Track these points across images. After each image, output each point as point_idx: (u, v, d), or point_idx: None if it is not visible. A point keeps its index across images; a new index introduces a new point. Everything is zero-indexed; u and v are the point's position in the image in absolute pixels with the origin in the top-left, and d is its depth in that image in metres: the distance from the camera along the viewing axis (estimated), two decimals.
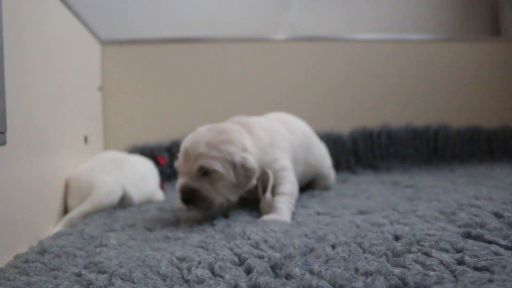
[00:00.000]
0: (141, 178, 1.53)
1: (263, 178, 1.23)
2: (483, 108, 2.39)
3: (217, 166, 1.12)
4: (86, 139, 1.74)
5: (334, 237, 0.87)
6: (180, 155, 1.18)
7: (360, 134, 2.24)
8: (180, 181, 1.15)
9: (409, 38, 2.40)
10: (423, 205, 1.14)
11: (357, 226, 0.97)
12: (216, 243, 0.90)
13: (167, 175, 2.02)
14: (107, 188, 1.38)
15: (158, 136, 2.19)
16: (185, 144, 1.18)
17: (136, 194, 1.47)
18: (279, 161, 1.26)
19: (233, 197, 1.18)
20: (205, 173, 1.12)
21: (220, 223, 1.09)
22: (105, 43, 2.15)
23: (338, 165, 2.07)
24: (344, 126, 2.26)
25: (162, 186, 1.89)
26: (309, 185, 1.54)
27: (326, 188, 1.56)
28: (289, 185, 1.23)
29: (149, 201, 1.52)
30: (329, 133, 2.23)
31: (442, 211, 1.04)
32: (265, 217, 1.12)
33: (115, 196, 1.39)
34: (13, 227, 1.00)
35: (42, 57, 1.28)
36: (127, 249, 0.90)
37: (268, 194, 1.19)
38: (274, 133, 1.31)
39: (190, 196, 1.13)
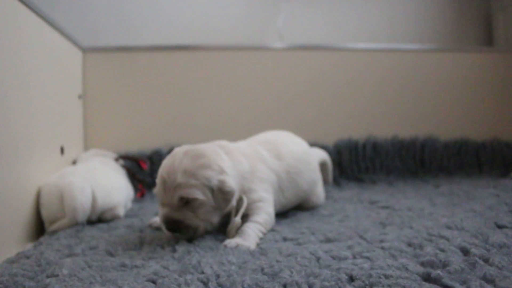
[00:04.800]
0: (111, 185, 1.51)
1: (238, 202, 1.21)
2: (472, 120, 2.35)
3: (197, 194, 1.11)
4: (62, 150, 1.71)
5: (289, 274, 0.84)
6: (158, 183, 1.17)
7: (345, 146, 2.21)
8: (162, 212, 1.15)
9: (397, 48, 2.36)
10: (393, 233, 1.11)
11: (318, 259, 0.94)
12: (167, 277, 0.87)
13: (147, 184, 2.00)
14: (77, 189, 1.35)
15: (140, 144, 2.16)
16: (162, 172, 1.16)
17: (102, 197, 1.42)
18: (256, 192, 1.24)
19: (215, 220, 1.17)
20: (185, 202, 1.12)
21: (182, 249, 1.06)
22: (87, 50, 2.12)
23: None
24: (328, 137, 2.22)
25: (142, 192, 1.87)
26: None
27: (314, 207, 1.53)
28: (265, 215, 1.22)
29: (110, 211, 1.48)
30: (313, 144, 2.20)
31: (410, 242, 1.01)
32: (228, 242, 1.09)
33: (87, 196, 1.36)
34: None
35: (14, 68, 1.27)
36: (76, 281, 0.87)
37: (237, 218, 1.16)
38: (255, 162, 1.29)
39: (174, 227, 1.13)
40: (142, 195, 1.86)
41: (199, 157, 1.16)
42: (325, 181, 1.82)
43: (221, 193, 1.14)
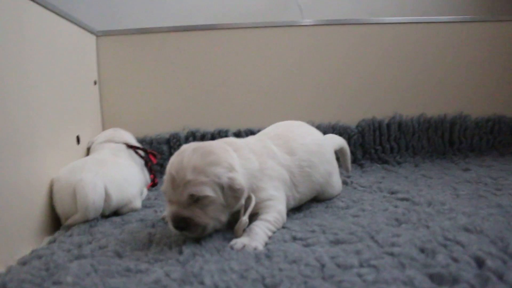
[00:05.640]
0: (123, 178, 1.50)
1: (246, 201, 1.18)
2: (507, 96, 2.19)
3: (207, 191, 1.09)
4: (78, 139, 1.72)
5: (288, 285, 0.81)
6: (166, 180, 1.14)
7: (369, 126, 2.12)
8: (170, 209, 1.13)
9: (424, 20, 2.20)
10: (407, 233, 1.05)
11: (322, 267, 0.90)
12: (168, 286, 0.86)
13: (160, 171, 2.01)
14: (89, 186, 1.35)
15: (158, 129, 2.15)
16: (170, 170, 1.14)
17: (115, 193, 1.42)
18: (265, 191, 1.21)
19: (224, 218, 1.15)
20: (195, 200, 1.10)
21: (187, 251, 1.05)
22: (100, 35, 2.09)
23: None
24: (351, 117, 2.14)
25: (154, 181, 1.86)
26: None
27: (330, 198, 1.49)
28: (275, 214, 1.19)
29: (126, 206, 1.48)
30: (335, 124, 2.13)
31: (423, 247, 0.95)
32: (234, 242, 1.07)
33: (100, 194, 1.36)
34: None
35: (26, 61, 1.30)
36: None
37: (244, 218, 1.14)
38: (265, 159, 1.26)
39: (183, 225, 1.11)
40: (154, 185, 1.84)
41: (209, 154, 1.13)
42: (344, 169, 1.77)
43: (231, 191, 1.11)
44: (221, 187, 1.11)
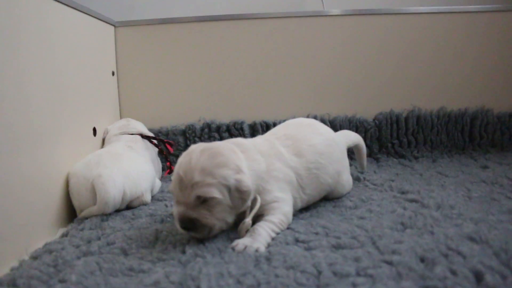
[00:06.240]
0: (137, 173, 1.53)
1: (251, 203, 1.19)
2: None
3: (214, 193, 1.10)
4: (95, 131, 1.76)
5: None
6: (174, 181, 1.16)
7: (386, 119, 2.08)
8: (178, 210, 1.14)
9: (448, 9, 2.12)
10: (410, 240, 1.04)
11: (318, 274, 0.90)
12: None
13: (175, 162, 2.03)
14: (110, 182, 1.39)
15: (174, 120, 2.17)
16: (178, 170, 1.15)
17: (130, 188, 1.46)
18: (271, 193, 1.21)
19: (231, 219, 1.17)
20: (202, 201, 1.11)
21: (190, 252, 1.07)
22: (118, 26, 2.11)
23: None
24: (368, 110, 2.10)
25: (171, 168, 1.89)
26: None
27: (340, 197, 1.49)
28: (280, 216, 1.19)
29: (137, 199, 1.51)
30: (351, 118, 2.10)
31: (424, 256, 0.94)
32: (236, 243, 1.09)
33: (119, 190, 1.41)
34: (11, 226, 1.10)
35: (45, 55, 1.36)
36: None
37: (247, 220, 1.15)
38: (272, 160, 1.26)
39: (189, 225, 1.12)
40: (171, 172, 1.88)
41: (216, 156, 1.14)
42: (359, 166, 1.75)
43: (238, 192, 1.12)
44: (228, 189, 1.12)
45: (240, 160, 1.17)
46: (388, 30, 2.11)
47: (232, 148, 1.19)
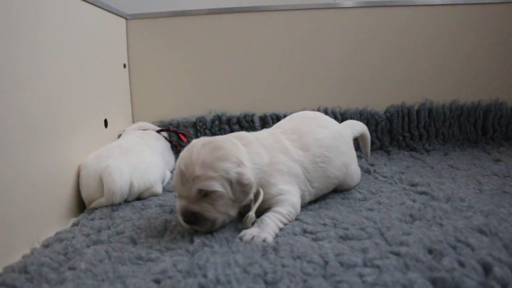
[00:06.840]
0: (145, 166, 1.55)
1: (254, 196, 1.19)
2: None
3: (216, 186, 1.10)
4: (106, 123, 1.78)
5: (287, 285, 0.82)
6: (176, 175, 1.17)
7: (397, 112, 2.06)
8: (180, 204, 1.15)
9: (463, 1, 2.08)
10: (418, 232, 1.03)
11: (325, 265, 0.91)
12: (173, 277, 0.89)
13: None
14: (116, 173, 1.41)
15: (185, 112, 2.18)
16: (179, 165, 1.16)
17: (137, 181, 1.48)
18: (276, 186, 1.21)
19: (233, 212, 1.17)
20: (204, 194, 1.12)
21: (198, 241, 1.08)
22: (130, 18, 2.12)
23: (370, 145, 1.94)
24: (379, 102, 2.08)
25: None
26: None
27: (349, 189, 1.48)
28: (289, 207, 1.20)
29: (147, 190, 1.53)
30: (362, 110, 2.08)
31: (432, 248, 0.93)
32: (243, 233, 1.10)
33: (126, 180, 1.43)
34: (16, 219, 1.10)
35: (58, 48, 1.39)
36: (89, 278, 0.93)
37: (251, 213, 1.15)
38: (277, 153, 1.25)
39: (192, 219, 1.13)
40: None
41: (217, 149, 1.14)
42: (363, 155, 1.74)
43: (239, 186, 1.12)
44: (230, 182, 1.12)
45: (242, 153, 1.17)
46: (401, 22, 2.09)
47: (233, 142, 1.19)
